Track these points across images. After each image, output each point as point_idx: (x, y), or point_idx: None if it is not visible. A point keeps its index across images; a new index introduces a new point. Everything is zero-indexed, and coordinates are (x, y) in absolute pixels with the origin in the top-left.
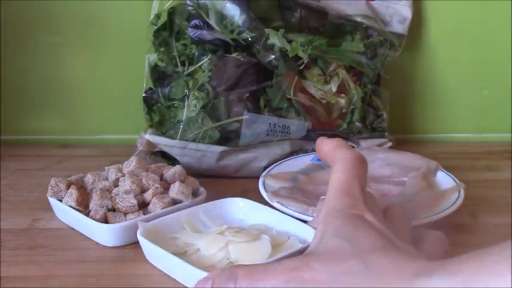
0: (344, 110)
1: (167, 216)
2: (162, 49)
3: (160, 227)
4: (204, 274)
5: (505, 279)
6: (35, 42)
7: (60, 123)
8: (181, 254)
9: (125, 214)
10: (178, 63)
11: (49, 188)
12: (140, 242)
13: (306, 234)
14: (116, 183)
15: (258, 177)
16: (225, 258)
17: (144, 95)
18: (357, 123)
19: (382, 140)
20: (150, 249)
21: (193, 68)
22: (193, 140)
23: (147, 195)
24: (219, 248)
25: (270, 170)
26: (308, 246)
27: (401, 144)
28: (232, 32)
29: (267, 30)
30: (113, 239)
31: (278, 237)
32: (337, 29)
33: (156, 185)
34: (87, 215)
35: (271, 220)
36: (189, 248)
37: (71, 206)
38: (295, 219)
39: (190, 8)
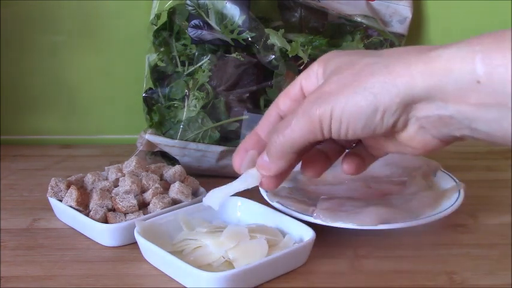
0: None
1: (165, 215)
2: (162, 49)
3: (157, 226)
4: (200, 273)
5: None
6: (35, 42)
7: (60, 123)
8: (178, 252)
9: (125, 214)
10: (178, 63)
11: (49, 188)
12: (137, 240)
13: (303, 233)
14: (116, 183)
15: None
16: (221, 257)
17: (144, 95)
18: None
19: None
20: (146, 247)
21: (193, 68)
22: (193, 140)
23: (147, 195)
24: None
25: None
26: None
27: None
28: (232, 32)
29: (267, 30)
30: (113, 239)
31: (275, 236)
32: (337, 29)
33: (156, 185)
34: (87, 215)
35: (267, 219)
36: (186, 246)
37: (71, 206)
38: (292, 218)
39: (190, 8)
